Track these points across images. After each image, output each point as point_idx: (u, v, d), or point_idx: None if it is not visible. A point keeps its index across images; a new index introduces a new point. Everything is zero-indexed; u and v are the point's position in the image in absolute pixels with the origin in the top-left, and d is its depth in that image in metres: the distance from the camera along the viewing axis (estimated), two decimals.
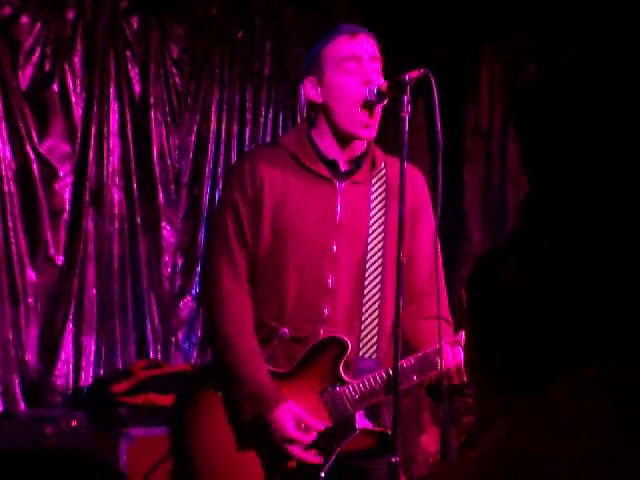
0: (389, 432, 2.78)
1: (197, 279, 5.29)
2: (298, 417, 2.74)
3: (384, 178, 2.93)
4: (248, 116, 5.44)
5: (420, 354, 2.75)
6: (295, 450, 2.74)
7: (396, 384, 2.62)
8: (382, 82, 2.76)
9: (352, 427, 2.79)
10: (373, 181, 2.91)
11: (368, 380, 2.77)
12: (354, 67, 2.77)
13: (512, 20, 5.24)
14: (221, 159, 5.36)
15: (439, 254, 2.90)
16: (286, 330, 2.82)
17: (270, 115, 5.49)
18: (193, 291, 5.31)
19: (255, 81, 5.47)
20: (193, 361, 5.23)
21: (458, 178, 5.62)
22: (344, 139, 2.85)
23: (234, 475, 2.80)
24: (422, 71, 2.67)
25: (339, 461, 2.77)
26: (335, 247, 2.83)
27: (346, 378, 2.79)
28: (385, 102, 2.79)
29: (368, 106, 2.76)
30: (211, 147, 5.35)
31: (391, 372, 2.74)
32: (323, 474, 2.76)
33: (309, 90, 2.84)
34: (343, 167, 2.88)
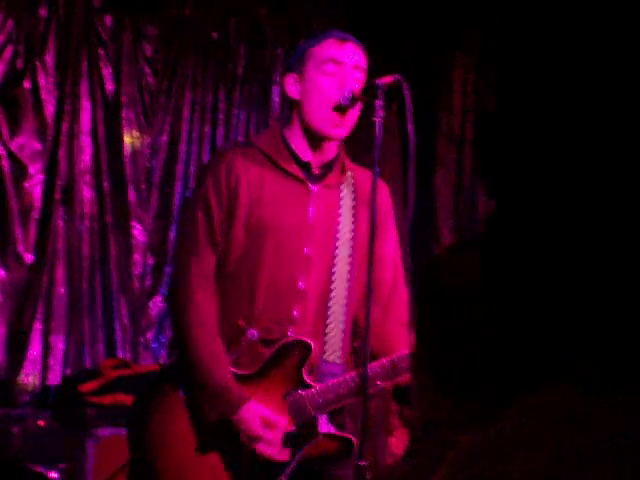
0: (352, 438, 2.80)
1: (167, 279, 5.27)
2: (263, 416, 2.75)
3: (352, 186, 2.95)
4: (220, 117, 5.43)
5: (385, 360, 2.76)
6: (262, 447, 2.74)
7: (365, 387, 2.63)
8: (356, 87, 2.78)
9: (315, 431, 2.79)
10: (342, 187, 2.94)
11: (332, 384, 2.77)
12: (334, 70, 2.79)
13: (485, 24, 5.26)
14: (193, 159, 5.35)
15: (400, 263, 2.96)
16: (255, 332, 2.82)
17: (243, 116, 5.48)
18: (163, 291, 5.29)
19: (228, 82, 5.46)
20: (162, 361, 5.21)
21: (429, 182, 5.64)
22: (315, 139, 2.87)
23: (197, 476, 2.80)
24: (395, 77, 2.70)
25: (301, 465, 2.78)
26: (307, 249, 2.84)
27: (309, 382, 2.80)
28: (358, 107, 2.81)
29: (340, 109, 2.79)
30: (183, 147, 5.33)
31: (356, 378, 2.76)
32: (284, 478, 2.76)
33: (289, 86, 2.86)
34: (315, 170, 2.90)
